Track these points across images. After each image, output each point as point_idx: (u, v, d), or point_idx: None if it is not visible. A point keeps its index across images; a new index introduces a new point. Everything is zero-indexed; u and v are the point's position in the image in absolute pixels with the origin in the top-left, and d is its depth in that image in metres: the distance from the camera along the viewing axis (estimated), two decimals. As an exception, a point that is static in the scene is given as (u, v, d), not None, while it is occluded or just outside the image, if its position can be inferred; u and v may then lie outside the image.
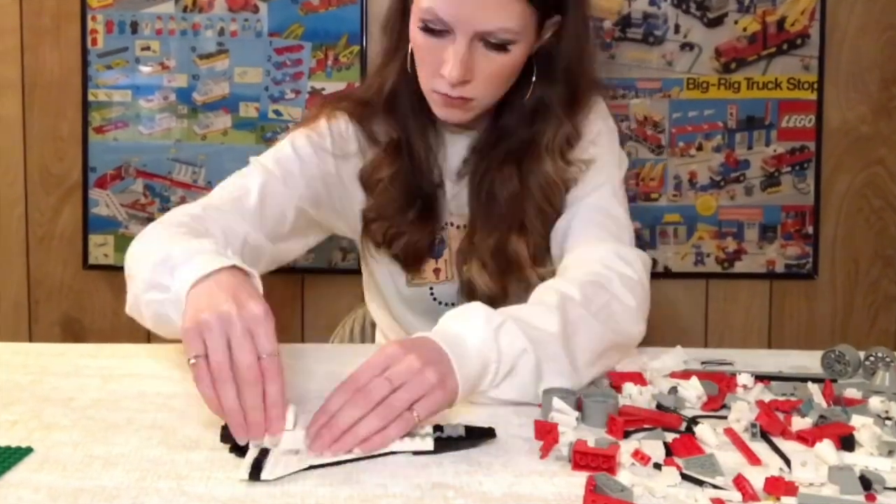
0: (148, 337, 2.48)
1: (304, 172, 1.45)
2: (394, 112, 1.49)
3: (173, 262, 1.08)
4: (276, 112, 2.46)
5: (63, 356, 1.32)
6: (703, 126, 2.46)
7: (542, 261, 1.49)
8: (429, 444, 0.96)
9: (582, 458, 0.91)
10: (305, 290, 2.52)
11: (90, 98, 2.45)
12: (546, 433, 0.98)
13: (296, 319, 2.53)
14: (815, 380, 1.19)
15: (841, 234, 2.52)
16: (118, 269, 2.46)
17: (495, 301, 1.40)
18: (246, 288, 1.02)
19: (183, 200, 2.46)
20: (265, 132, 2.45)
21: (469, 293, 1.49)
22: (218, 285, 1.02)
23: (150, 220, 2.45)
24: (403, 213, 1.48)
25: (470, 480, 0.89)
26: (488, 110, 1.46)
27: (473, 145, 1.51)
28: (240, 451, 0.95)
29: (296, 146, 1.46)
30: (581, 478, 0.87)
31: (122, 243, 2.47)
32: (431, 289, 1.55)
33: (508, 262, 1.47)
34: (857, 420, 1.02)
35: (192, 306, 1.01)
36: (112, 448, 0.96)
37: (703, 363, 1.30)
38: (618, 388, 1.15)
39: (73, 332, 2.52)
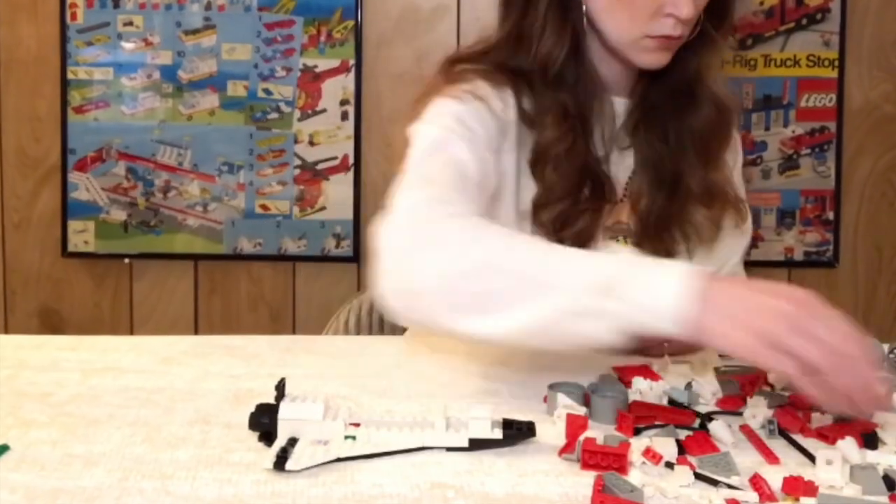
0: (130, 329, 2.48)
1: (483, 126, 1.35)
2: (563, 84, 1.43)
3: (611, 283, 0.99)
4: (266, 91, 2.46)
5: (41, 349, 1.31)
6: (717, 106, 2.46)
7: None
8: (463, 440, 0.97)
9: (591, 457, 0.91)
10: (297, 279, 2.52)
11: (69, 76, 2.45)
12: (578, 427, 0.97)
13: (287, 309, 2.53)
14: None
15: (863, 219, 2.52)
16: (98, 257, 2.46)
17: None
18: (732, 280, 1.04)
19: (167, 184, 2.46)
20: (254, 112, 2.45)
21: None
22: (713, 291, 0.96)
23: (133, 204, 2.46)
24: (576, 194, 1.42)
25: (471, 480, 0.89)
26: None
27: (634, 104, 1.50)
28: (268, 439, 0.95)
29: (465, 103, 1.36)
30: (589, 477, 0.87)
31: (103, 229, 2.47)
32: None
33: (718, 194, 1.48)
34: (880, 417, 1.02)
35: (715, 323, 0.95)
36: (93, 446, 0.96)
37: (720, 355, 1.30)
38: (627, 383, 1.15)
39: (52, 323, 2.51)
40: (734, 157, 1.59)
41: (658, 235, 1.47)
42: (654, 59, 1.40)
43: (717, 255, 1.53)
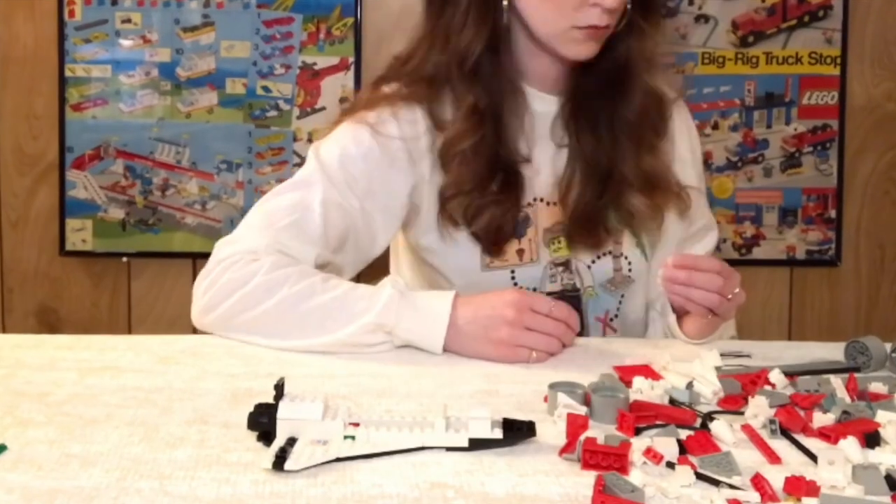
0: (128, 328, 2.48)
1: (369, 174, 1.47)
2: (477, 78, 1.48)
3: (389, 326, 1.29)
4: (265, 88, 2.45)
5: (38, 348, 1.31)
6: (719, 103, 2.46)
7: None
8: (463, 440, 0.96)
9: (592, 457, 0.90)
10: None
11: (67, 73, 2.45)
12: (578, 427, 0.97)
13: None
14: (841, 370, 1.20)
15: (865, 218, 2.52)
16: (96, 256, 2.46)
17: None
18: (467, 304, 1.31)
19: (166, 182, 2.46)
20: (253, 110, 2.45)
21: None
22: (455, 319, 1.29)
23: (131, 203, 2.46)
24: (484, 187, 1.47)
25: (471, 480, 0.89)
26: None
27: (566, 99, 1.53)
28: (267, 439, 0.95)
29: (359, 144, 1.48)
30: (589, 478, 0.87)
31: (101, 228, 2.46)
32: (513, 272, 1.52)
33: (657, 181, 1.52)
34: (882, 416, 1.02)
35: (463, 347, 1.29)
36: (90, 446, 0.96)
37: (720, 355, 1.30)
38: (627, 383, 1.15)
39: (49, 322, 2.51)
40: (685, 147, 1.61)
41: (587, 229, 1.50)
42: (583, 50, 1.44)
43: (666, 250, 1.54)
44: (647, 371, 1.18)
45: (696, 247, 1.59)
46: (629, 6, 1.44)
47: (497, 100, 1.48)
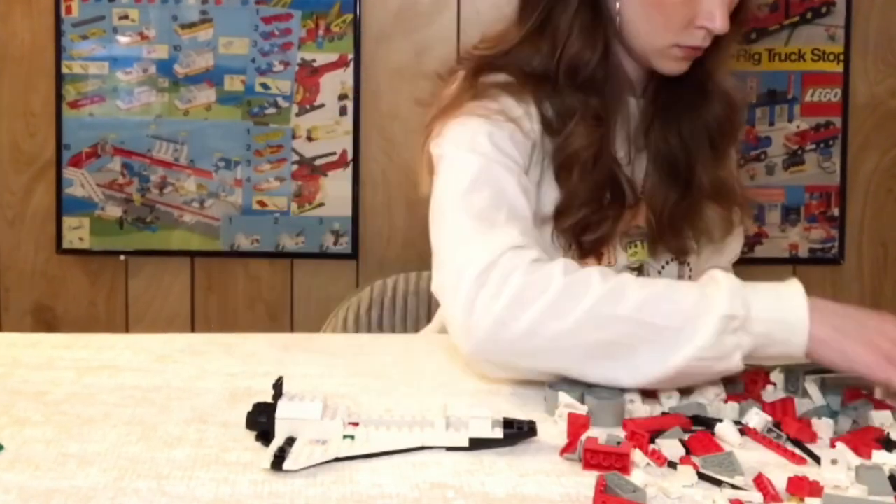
0: (126, 327, 2.48)
1: (521, 152, 1.36)
2: (592, 87, 1.41)
3: (736, 316, 1.08)
4: (264, 85, 2.45)
5: (35, 347, 1.31)
6: (721, 100, 2.46)
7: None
8: (464, 440, 0.96)
9: (593, 457, 0.90)
10: (295, 276, 2.52)
11: (64, 70, 2.44)
12: (579, 427, 0.97)
13: (285, 306, 2.53)
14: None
15: (869, 216, 2.51)
16: (93, 254, 2.46)
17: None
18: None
19: (163, 180, 2.46)
20: (251, 107, 2.45)
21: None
22: (816, 305, 1.09)
23: (129, 201, 2.46)
24: (599, 200, 1.40)
25: (471, 480, 0.89)
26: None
27: (648, 103, 1.49)
28: (265, 438, 0.95)
29: (497, 126, 1.36)
30: (590, 478, 0.87)
31: (98, 226, 2.46)
32: None
33: (728, 190, 1.49)
34: (876, 416, 1.02)
35: (828, 336, 1.08)
36: (87, 445, 0.96)
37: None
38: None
39: (46, 321, 2.51)
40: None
41: (673, 232, 1.46)
42: (678, 66, 1.40)
43: (724, 256, 1.54)
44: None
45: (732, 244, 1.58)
46: None
47: (610, 108, 1.42)
